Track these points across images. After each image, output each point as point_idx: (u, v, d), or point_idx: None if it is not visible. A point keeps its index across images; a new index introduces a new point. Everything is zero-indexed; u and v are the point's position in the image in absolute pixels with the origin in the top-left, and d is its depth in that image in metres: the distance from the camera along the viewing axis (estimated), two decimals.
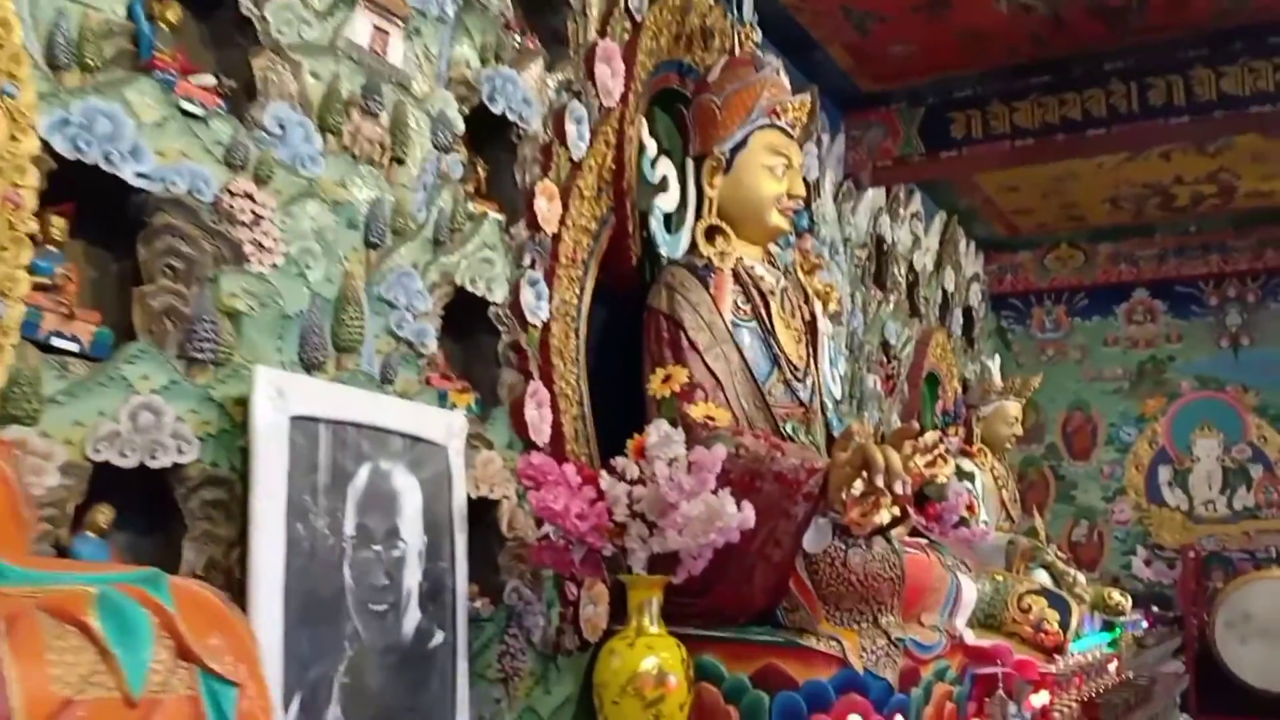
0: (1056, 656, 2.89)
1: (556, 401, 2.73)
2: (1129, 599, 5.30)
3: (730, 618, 2.60)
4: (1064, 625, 2.86)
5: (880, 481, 2.35)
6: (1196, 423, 6.95)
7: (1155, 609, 6.66)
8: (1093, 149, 4.57)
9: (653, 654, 2.15)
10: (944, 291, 6.57)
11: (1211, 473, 6.92)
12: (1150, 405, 7.12)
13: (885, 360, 5.53)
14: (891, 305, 5.62)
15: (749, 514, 2.24)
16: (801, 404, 3.19)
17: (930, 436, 2.53)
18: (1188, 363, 7.10)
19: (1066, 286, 7.42)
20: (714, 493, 2.20)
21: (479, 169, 2.64)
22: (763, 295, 3.18)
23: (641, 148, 3.10)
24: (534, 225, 2.71)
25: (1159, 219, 6.77)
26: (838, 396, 3.70)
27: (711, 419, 2.87)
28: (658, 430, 2.21)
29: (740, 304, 3.14)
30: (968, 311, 7.15)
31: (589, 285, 3.03)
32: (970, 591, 2.84)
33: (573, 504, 2.19)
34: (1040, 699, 2.68)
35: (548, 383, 2.72)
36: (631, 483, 2.25)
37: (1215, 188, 6.19)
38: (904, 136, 4.75)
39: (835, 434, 3.40)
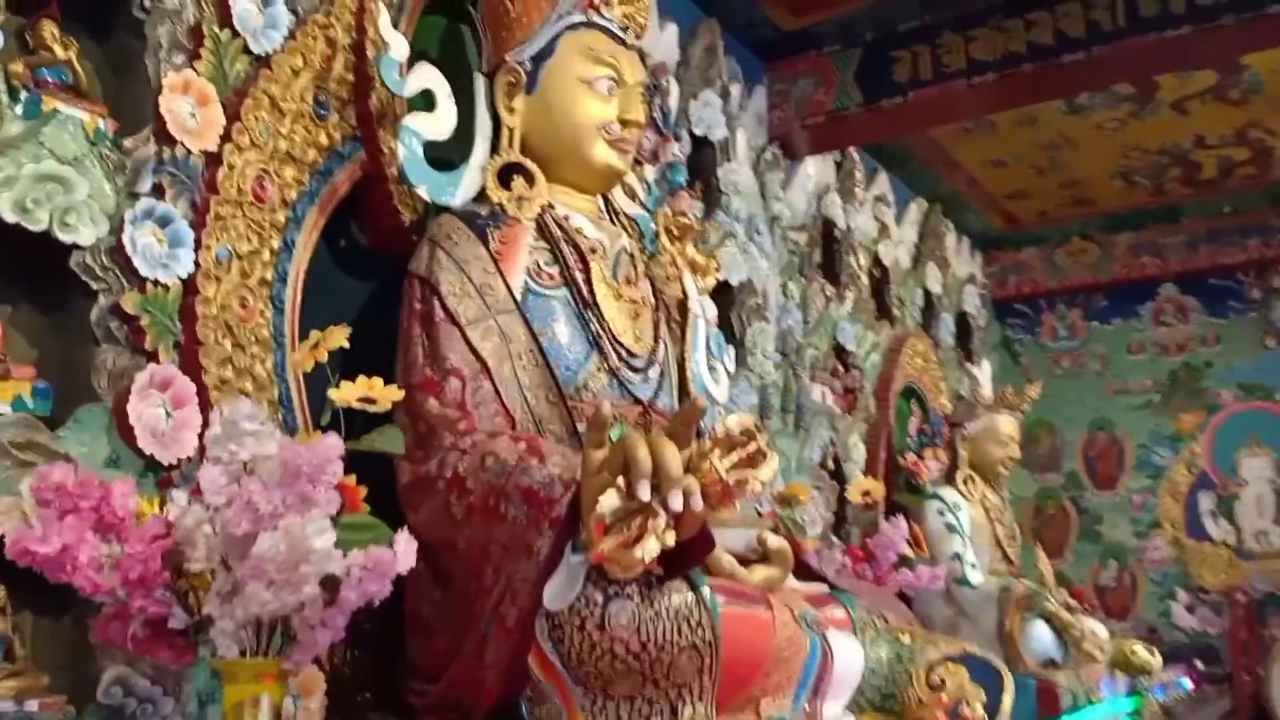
0: None
1: (208, 397, 1.89)
2: (1157, 655, 4.39)
3: (466, 714, 1.76)
4: (991, 708, 1.96)
5: (644, 493, 1.50)
6: (1242, 439, 6.04)
7: (1199, 664, 5.71)
8: (1071, 81, 3.72)
9: None
10: (925, 293, 5.68)
11: (1262, 498, 5.99)
12: (1186, 421, 6.26)
13: (841, 369, 4.64)
14: (848, 304, 4.75)
15: (398, 551, 1.38)
16: (637, 401, 2.37)
17: (737, 423, 1.66)
18: (1228, 368, 6.33)
19: (1081, 286, 6.59)
20: (335, 516, 1.34)
21: (66, 49, 1.82)
22: (582, 257, 2.36)
23: (383, 46, 2.28)
24: (165, 137, 1.89)
25: (1184, 198, 5.90)
26: (720, 399, 2.86)
27: (459, 418, 2.04)
28: (220, 417, 1.35)
29: (544, 266, 2.36)
30: (963, 319, 6.26)
31: (308, 239, 2.24)
32: (851, 661, 1.97)
33: (84, 546, 1.34)
34: None
35: (192, 370, 1.88)
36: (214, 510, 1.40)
37: (1247, 152, 5.34)
38: (838, 85, 3.93)
39: None
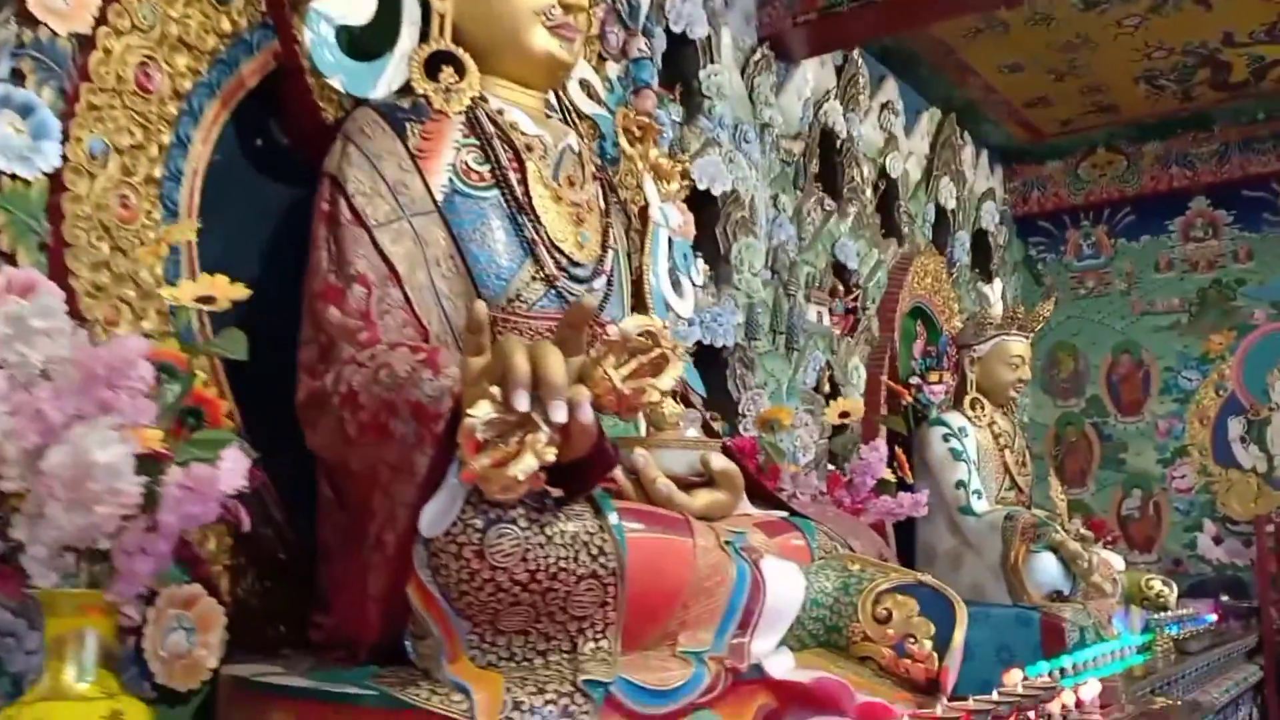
0: (941, 696, 1.83)
1: (78, 305, 1.75)
2: (1174, 589, 4.22)
3: (353, 650, 1.63)
4: (941, 643, 1.79)
5: (520, 403, 1.34)
6: (1274, 361, 5.79)
7: (1226, 598, 5.55)
8: None
9: None
10: (939, 209, 5.46)
11: None
12: (1215, 342, 6.02)
13: (842, 290, 4.46)
14: (850, 219, 4.55)
15: (223, 469, 1.23)
16: None
17: (635, 324, 1.49)
18: (1262, 286, 6.07)
19: (1107, 200, 6.33)
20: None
21: None
22: (517, 155, 2.19)
23: None
24: (26, 18, 1.73)
25: (1214, 103, 5.62)
26: (683, 314, 2.70)
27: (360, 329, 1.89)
28: (7, 314, 1.20)
29: (473, 165, 2.20)
30: (981, 237, 6.04)
31: (207, 135, 2.09)
32: (787, 593, 1.81)
33: None
34: None
35: (59, 274, 1.73)
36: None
37: None
38: None
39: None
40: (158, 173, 1.95)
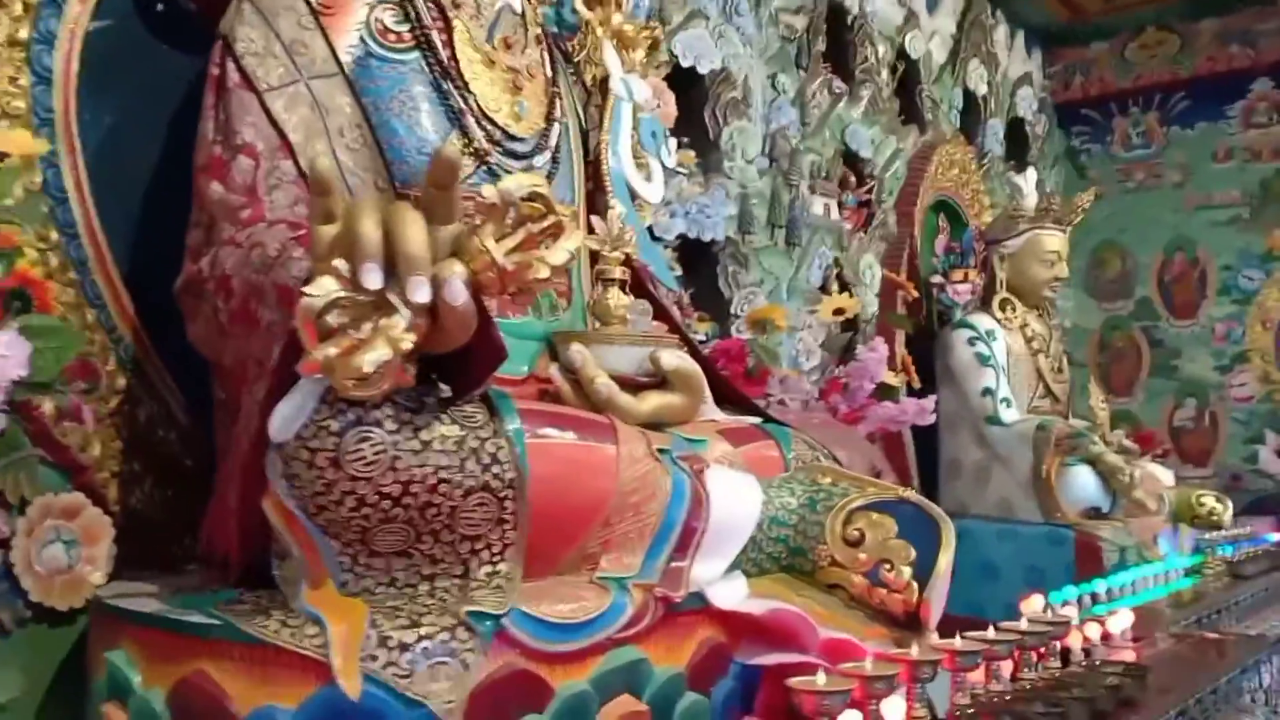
0: (922, 631, 1.59)
1: None
2: (1229, 506, 3.97)
3: (224, 570, 1.56)
4: (922, 570, 1.56)
5: (369, 280, 1.13)
6: None
7: None
8: None
9: None
10: (967, 94, 5.16)
11: None
12: (1279, 238, 5.61)
13: (854, 181, 4.20)
14: (862, 104, 4.27)
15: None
16: None
17: (516, 185, 1.26)
18: None
19: (1158, 85, 5.99)
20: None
21: None
22: (442, 13, 1.97)
23: None
24: None
25: None
26: (650, 199, 2.49)
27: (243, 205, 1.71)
28: None
29: (391, 25, 1.99)
30: (1017, 126, 5.73)
31: None
32: (736, 510, 1.59)
33: None
34: None
35: None
36: None
37: None
38: None
39: (641, 261, 2.28)
40: (23, 34, 1.80)
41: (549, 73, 2.21)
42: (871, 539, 1.60)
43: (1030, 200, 4.33)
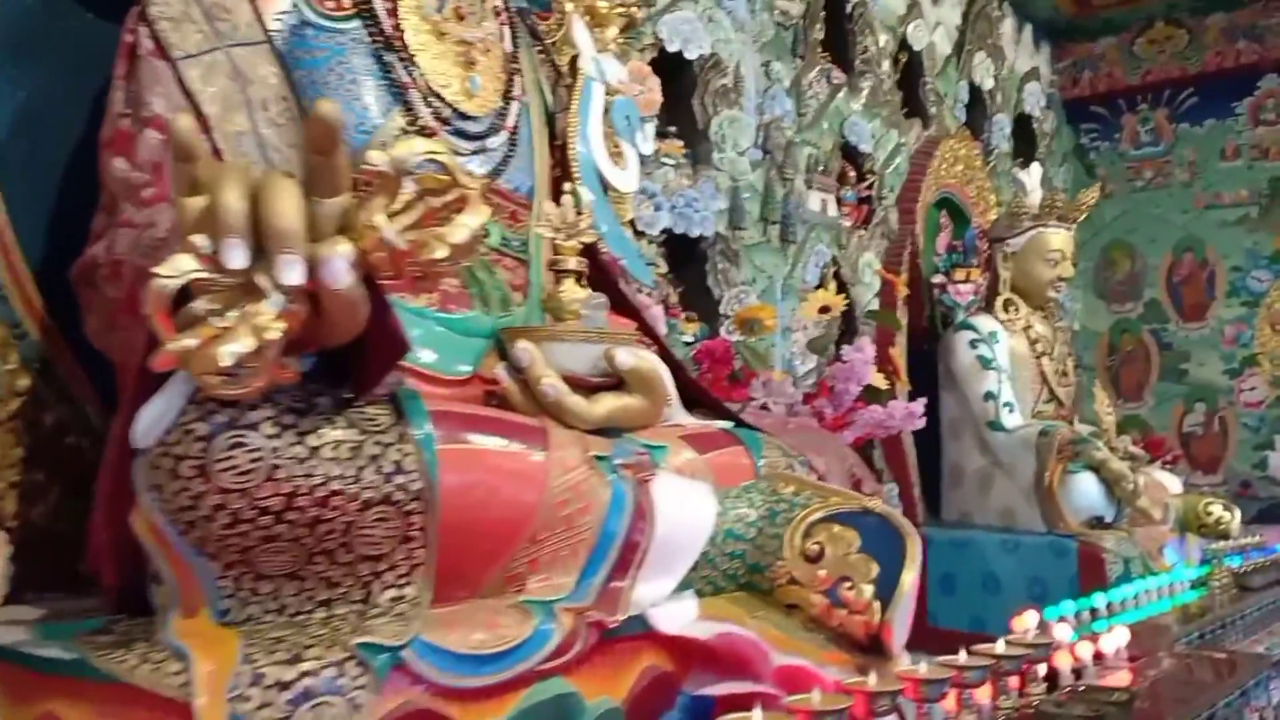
0: (886, 655, 1.40)
1: None
2: (1235, 513, 3.78)
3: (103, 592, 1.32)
4: (885, 586, 1.37)
5: (231, 259, 0.94)
6: None
7: None
8: None
9: None
10: (973, 88, 4.95)
11: None
12: None
13: (854, 175, 4.00)
14: (863, 96, 4.08)
15: None
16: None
17: (409, 150, 1.06)
18: None
19: (1166, 81, 5.81)
20: None
21: None
22: None
23: None
24: None
25: None
26: (623, 187, 2.30)
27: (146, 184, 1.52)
28: None
29: None
30: (1024, 121, 5.52)
31: None
32: (685, 524, 1.41)
33: None
34: None
35: None
36: None
37: None
38: None
39: (602, 247, 2.09)
40: None
41: (509, 48, 2.02)
42: (832, 554, 1.41)
43: (1035, 197, 4.11)
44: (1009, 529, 3.76)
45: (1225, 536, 3.83)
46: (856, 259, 3.90)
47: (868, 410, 2.54)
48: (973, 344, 3.96)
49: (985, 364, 3.92)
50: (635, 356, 1.62)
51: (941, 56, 4.73)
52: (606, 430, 1.59)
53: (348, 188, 1.06)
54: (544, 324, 1.78)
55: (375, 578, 1.17)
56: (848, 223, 3.91)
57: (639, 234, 2.93)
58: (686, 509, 1.43)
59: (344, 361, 1.17)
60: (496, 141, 1.93)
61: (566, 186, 1.93)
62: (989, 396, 3.88)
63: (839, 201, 3.91)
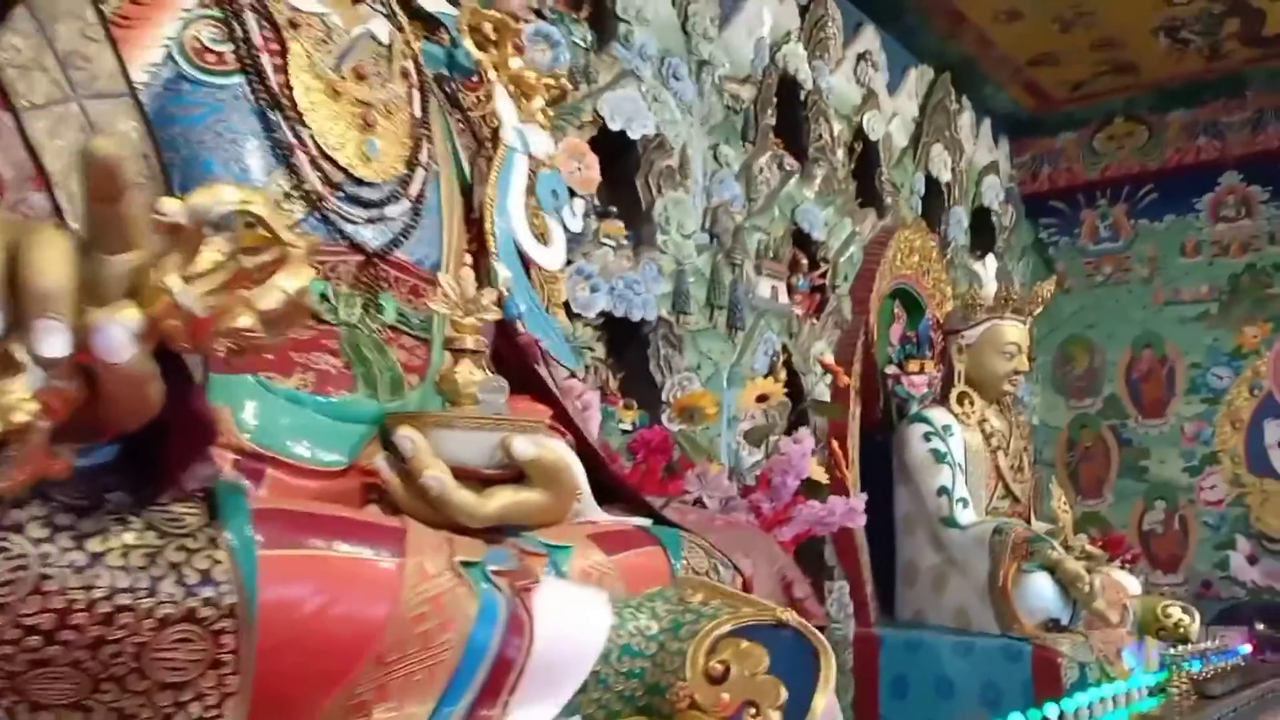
0: None
1: None
2: (1195, 616, 3.60)
3: None
4: (795, 711, 1.17)
5: None
6: None
7: (1262, 626, 4.88)
8: None
9: None
10: (930, 179, 4.84)
11: None
12: (1250, 335, 5.38)
13: (806, 264, 3.86)
14: (816, 183, 3.95)
15: None
16: (355, 247, 1.64)
17: (211, 200, 0.88)
18: None
19: (1126, 176, 5.69)
20: None
21: None
22: (277, 32, 1.61)
23: None
24: None
25: (1246, 61, 5.00)
26: (550, 267, 2.14)
27: None
28: None
29: (210, 44, 1.63)
30: (983, 214, 5.42)
31: None
32: (572, 636, 1.22)
33: None
34: None
35: None
36: None
37: None
38: None
39: (520, 328, 1.92)
40: None
41: (417, 113, 1.86)
42: (737, 674, 1.22)
43: (990, 289, 3.98)
44: (963, 630, 3.56)
45: (1185, 640, 3.65)
46: (808, 347, 3.73)
47: (807, 506, 2.36)
48: (926, 437, 3.80)
49: (939, 458, 3.76)
50: (537, 445, 1.44)
51: (898, 147, 4.62)
52: (504, 529, 1.41)
53: (141, 243, 0.88)
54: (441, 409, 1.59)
55: (178, 709, 0.96)
56: (799, 311, 3.75)
57: (574, 316, 2.76)
58: (573, 622, 1.24)
59: (155, 452, 0.98)
60: (397, 210, 1.76)
61: (467, 260, 1.76)
62: (942, 491, 3.71)
63: (790, 289, 3.76)
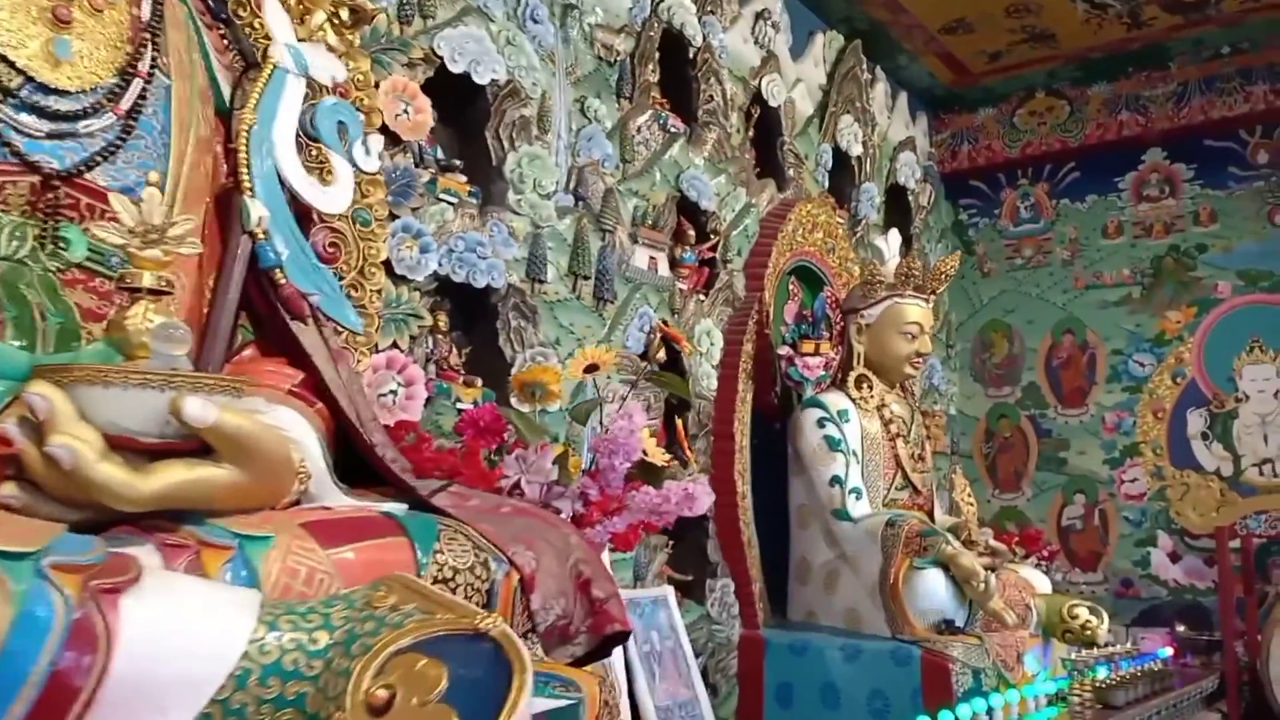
0: None
1: None
2: (1103, 617, 3.35)
3: None
4: None
5: None
6: (1243, 342, 4.93)
7: (1183, 628, 4.65)
8: None
9: None
10: (838, 152, 4.56)
11: (1269, 417, 4.87)
12: (1172, 320, 5.15)
13: (694, 236, 3.55)
14: (707, 148, 3.65)
15: None
16: (32, 167, 1.33)
17: None
18: (1226, 253, 5.17)
19: (1046, 154, 5.46)
20: None
21: None
22: None
23: None
24: None
25: (1169, 30, 4.77)
26: (326, 208, 1.84)
27: None
28: None
29: None
30: (898, 192, 5.15)
31: None
32: (175, 649, 0.92)
33: None
34: None
35: None
36: None
37: None
38: None
39: (279, 277, 1.60)
40: None
41: (145, 14, 1.54)
42: (402, 703, 0.92)
43: (891, 265, 3.69)
44: (853, 632, 3.28)
45: (1092, 643, 3.39)
46: (693, 325, 3.43)
47: (642, 492, 2.05)
48: (820, 423, 3.52)
49: (833, 445, 3.48)
50: (214, 411, 1.12)
51: (803, 116, 4.34)
52: (181, 515, 1.10)
53: None
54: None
55: None
56: (684, 285, 3.44)
57: (399, 278, 2.44)
58: (186, 633, 0.92)
59: None
60: (99, 124, 1.46)
61: (152, 178, 1.44)
62: (835, 481, 3.43)
63: (674, 262, 3.44)
